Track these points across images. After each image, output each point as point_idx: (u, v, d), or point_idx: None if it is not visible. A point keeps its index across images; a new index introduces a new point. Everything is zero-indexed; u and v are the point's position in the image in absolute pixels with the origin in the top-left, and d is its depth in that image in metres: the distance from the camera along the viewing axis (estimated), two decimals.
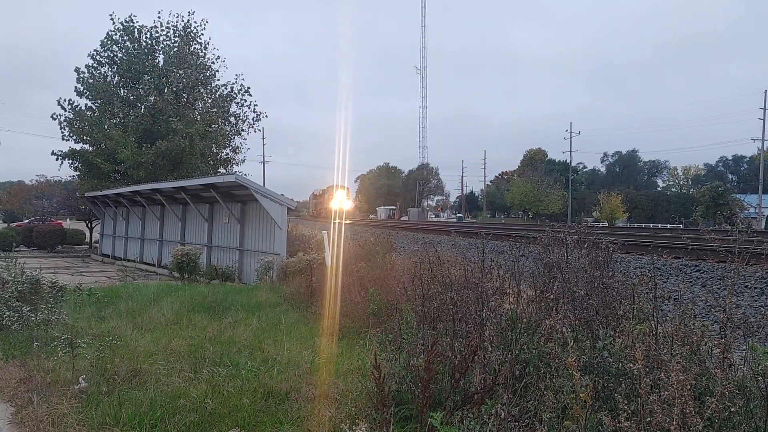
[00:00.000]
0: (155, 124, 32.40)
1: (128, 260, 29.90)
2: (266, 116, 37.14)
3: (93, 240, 40.94)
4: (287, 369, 6.66)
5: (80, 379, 6.08)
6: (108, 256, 33.57)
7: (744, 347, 3.83)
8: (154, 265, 26.53)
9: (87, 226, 42.34)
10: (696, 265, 11.65)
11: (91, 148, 33.49)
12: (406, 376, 4.91)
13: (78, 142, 33.74)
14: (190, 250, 20.31)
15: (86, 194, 34.03)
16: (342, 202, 59.30)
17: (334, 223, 23.21)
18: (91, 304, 11.10)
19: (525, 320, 4.98)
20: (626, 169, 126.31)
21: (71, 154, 33.75)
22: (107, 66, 34.12)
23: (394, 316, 7.11)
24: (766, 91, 63.47)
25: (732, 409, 2.89)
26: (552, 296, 5.00)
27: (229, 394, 5.67)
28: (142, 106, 33.20)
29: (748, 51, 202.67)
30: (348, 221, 47.75)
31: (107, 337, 7.23)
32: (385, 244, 16.41)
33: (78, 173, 35.32)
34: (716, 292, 9.37)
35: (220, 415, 5.17)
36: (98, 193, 31.90)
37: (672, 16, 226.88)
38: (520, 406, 4.12)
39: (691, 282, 10.83)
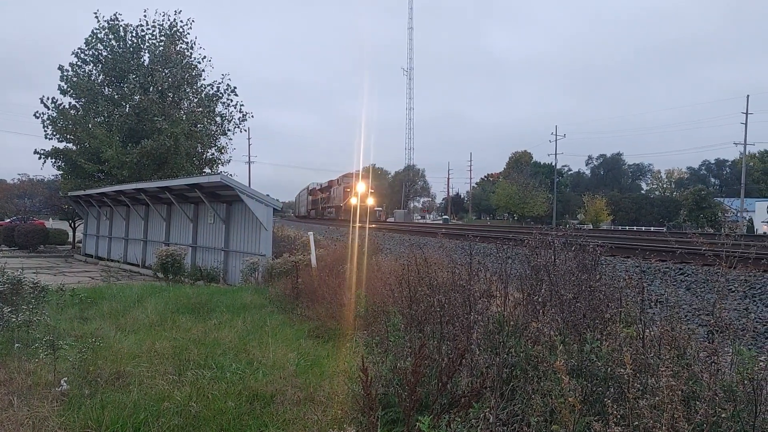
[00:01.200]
0: (140, 124, 32.15)
1: (112, 260, 29.71)
2: (252, 116, 37.05)
3: (76, 240, 40.58)
4: (272, 371, 6.60)
5: (62, 381, 5.99)
6: (91, 256, 33.27)
7: (729, 351, 3.84)
8: (138, 266, 26.32)
9: (70, 225, 41.94)
10: (680, 268, 11.72)
11: (74, 147, 33.17)
12: (393, 379, 4.88)
13: (61, 141, 33.43)
14: (175, 250, 20.17)
15: (69, 193, 33.71)
16: (364, 197, 45.52)
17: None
18: (74, 305, 10.97)
19: (512, 323, 4.97)
20: (611, 172, 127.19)
21: (54, 153, 33.39)
22: (92, 64, 33.80)
23: (381, 318, 7.08)
24: (748, 96, 64.22)
25: (723, 415, 2.89)
26: (540, 299, 5.00)
27: (213, 397, 5.61)
28: (127, 105, 32.93)
29: (730, 56, 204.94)
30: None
31: (90, 339, 7.13)
32: (372, 245, 16.38)
33: (61, 172, 34.97)
34: (700, 295, 9.44)
35: (204, 419, 5.11)
36: (82, 192, 31.60)
37: (654, 21, 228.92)
38: (508, 409, 4.11)
39: (675, 285, 10.90)
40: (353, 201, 44.53)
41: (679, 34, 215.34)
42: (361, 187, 45.48)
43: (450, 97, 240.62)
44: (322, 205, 63.28)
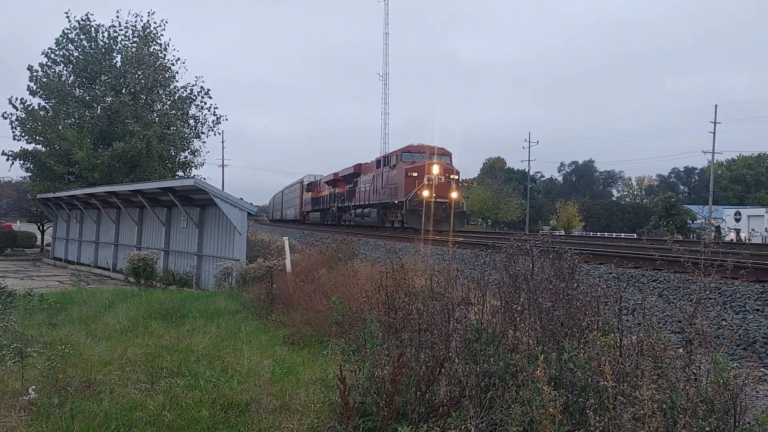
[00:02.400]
0: (112, 126, 31.71)
1: (82, 264, 29.25)
2: (226, 119, 36.74)
3: (45, 243, 39.88)
4: (247, 379, 6.51)
5: (30, 390, 5.84)
6: (60, 259, 32.70)
7: (704, 359, 3.86)
8: (108, 270, 25.95)
9: (38, 228, 41.21)
10: (653, 275, 11.85)
11: (44, 149, 32.59)
12: (371, 388, 4.83)
13: (30, 143, 32.83)
14: (147, 254, 19.88)
15: (38, 196, 33.11)
16: (445, 189, 26.18)
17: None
18: (42, 310, 10.73)
19: (490, 331, 4.96)
20: (582, 179, 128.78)
21: (23, 155, 32.76)
22: (62, 65, 33.29)
23: (358, 325, 7.03)
24: (716, 105, 65.59)
25: (707, 429, 2.90)
26: (518, 307, 5.00)
27: (187, 406, 5.51)
28: (99, 107, 32.45)
29: (699, 66, 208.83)
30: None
31: (59, 346, 6.96)
32: (347, 250, 16.32)
33: (30, 174, 34.34)
34: (673, 302, 9.56)
35: (178, 428, 5.01)
36: (51, 194, 31.05)
37: (625, 31, 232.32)
38: (486, 419, 4.09)
39: (648, 292, 11.00)
40: (425, 194, 25.90)
41: (652, 45, 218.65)
42: (437, 171, 26.33)
43: (425, 102, 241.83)
44: (338, 204, 38.89)
